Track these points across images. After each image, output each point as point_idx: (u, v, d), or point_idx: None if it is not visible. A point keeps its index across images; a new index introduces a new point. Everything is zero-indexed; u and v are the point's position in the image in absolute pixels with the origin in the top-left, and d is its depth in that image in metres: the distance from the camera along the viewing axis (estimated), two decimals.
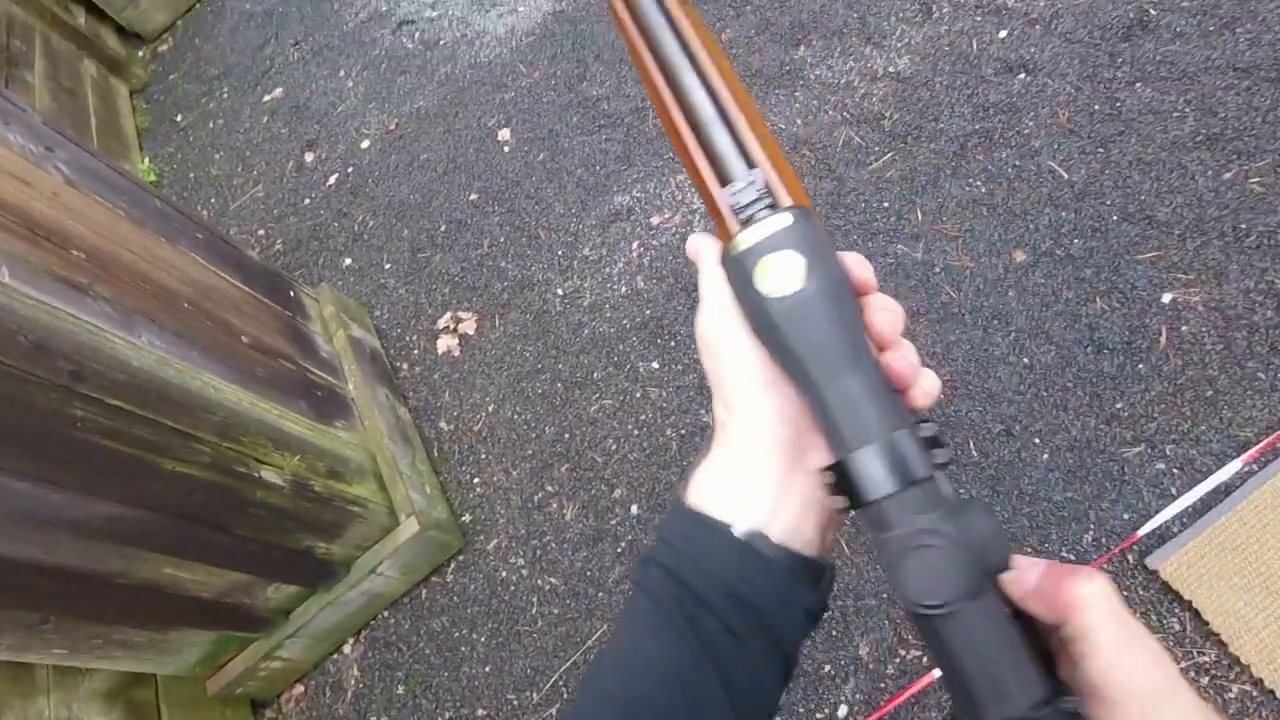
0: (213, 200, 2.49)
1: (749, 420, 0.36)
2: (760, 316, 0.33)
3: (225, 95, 2.76)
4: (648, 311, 1.73)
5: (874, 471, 0.30)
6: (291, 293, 1.66)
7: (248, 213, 2.38)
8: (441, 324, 1.91)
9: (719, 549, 0.35)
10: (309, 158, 2.41)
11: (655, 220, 1.83)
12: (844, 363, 0.31)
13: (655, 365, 1.66)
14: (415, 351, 1.91)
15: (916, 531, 0.29)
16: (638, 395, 1.64)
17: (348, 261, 2.12)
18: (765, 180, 0.35)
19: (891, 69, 1.78)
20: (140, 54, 3.12)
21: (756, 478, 0.36)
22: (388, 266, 2.07)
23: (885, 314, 0.33)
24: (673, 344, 1.67)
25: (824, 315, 0.32)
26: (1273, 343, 1.25)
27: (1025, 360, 1.38)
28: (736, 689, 0.34)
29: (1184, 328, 1.31)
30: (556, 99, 2.14)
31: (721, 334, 0.36)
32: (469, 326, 1.88)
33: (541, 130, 2.10)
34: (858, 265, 0.33)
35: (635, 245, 1.82)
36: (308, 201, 2.30)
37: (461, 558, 1.61)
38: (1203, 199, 1.39)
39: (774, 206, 0.34)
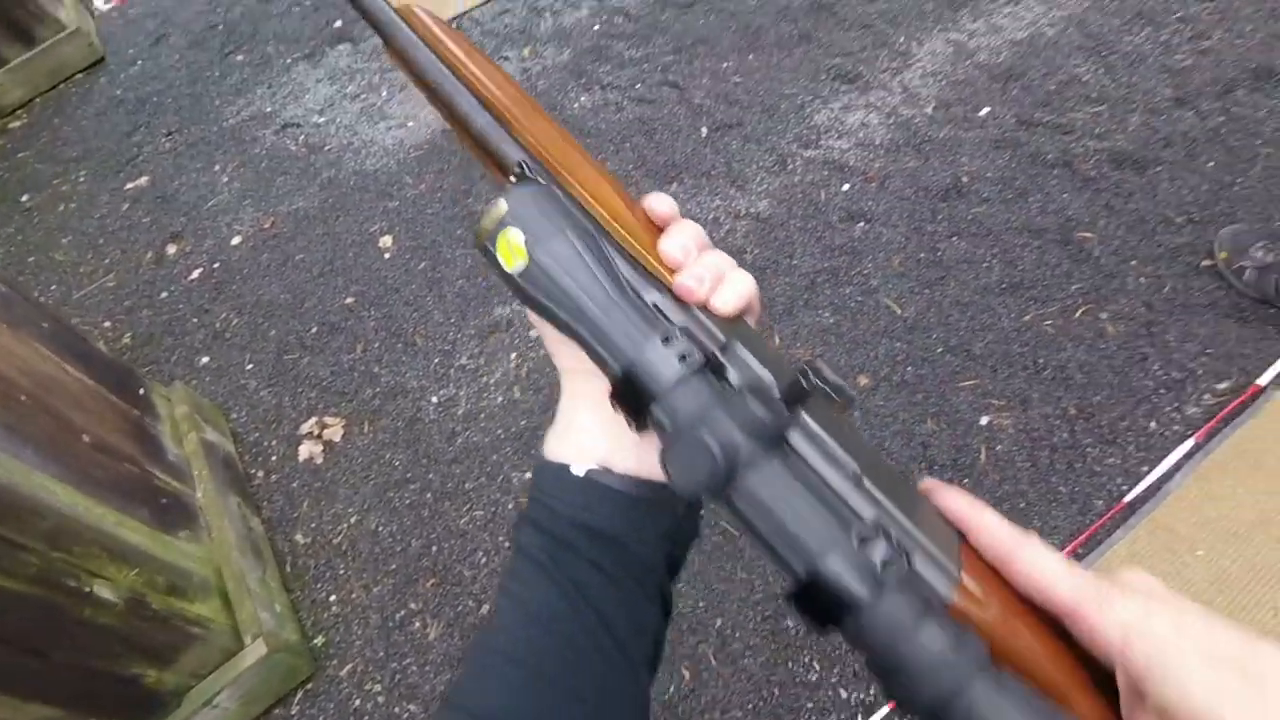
0: (54, 287, 2.32)
1: (576, 367, 0.38)
2: (515, 292, 0.35)
3: (82, 178, 2.63)
4: (523, 422, 1.76)
5: (637, 386, 0.31)
6: (142, 390, 1.56)
7: (93, 303, 2.23)
8: (305, 429, 1.84)
9: (567, 490, 0.37)
10: (171, 250, 2.31)
11: (534, 333, 1.89)
12: (594, 305, 0.33)
13: (529, 476, 1.68)
14: (274, 458, 1.82)
15: (684, 420, 0.30)
16: (510, 506, 1.64)
17: (205, 360, 2.03)
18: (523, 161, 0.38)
19: (753, 210, 1.98)
20: None
21: (590, 418, 0.38)
22: (250, 367, 1.99)
23: (671, 239, 0.35)
24: None
25: (558, 275, 0.34)
26: (1069, 461, 1.45)
27: None
28: (615, 623, 0.35)
29: (999, 447, 1.49)
30: (441, 211, 2.20)
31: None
32: (335, 433, 1.83)
33: (424, 240, 2.14)
34: (657, 202, 0.36)
35: (514, 356, 1.87)
36: (165, 295, 2.19)
37: (310, 685, 1.50)
38: (1008, 337, 1.62)
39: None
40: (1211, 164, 1.76)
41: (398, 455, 1.76)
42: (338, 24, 2.92)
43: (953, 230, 1.81)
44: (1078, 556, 1.35)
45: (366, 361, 1.93)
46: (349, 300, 2.07)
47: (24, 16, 2.87)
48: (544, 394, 1.78)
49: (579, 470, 0.37)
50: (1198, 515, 1.35)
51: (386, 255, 2.14)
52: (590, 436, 0.38)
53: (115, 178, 2.59)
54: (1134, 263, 1.67)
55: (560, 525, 0.36)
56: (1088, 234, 1.73)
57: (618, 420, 0.36)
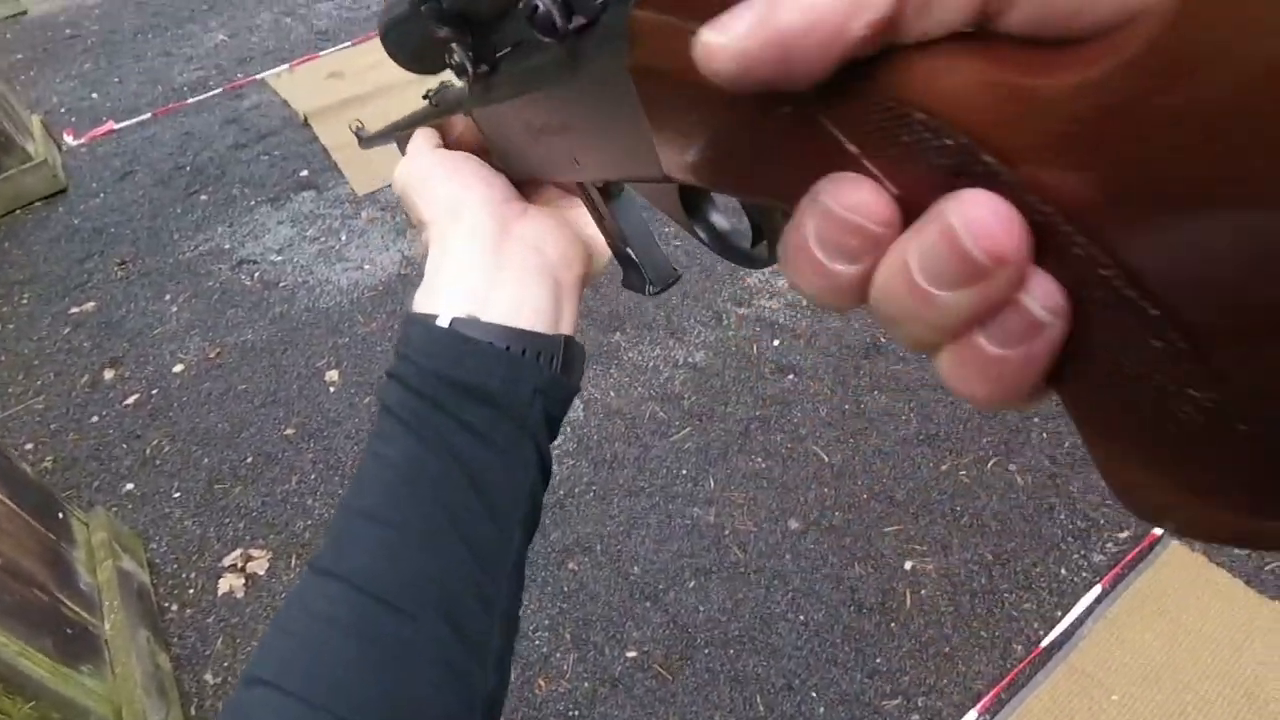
0: None
1: (450, 214, 0.38)
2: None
3: (25, 300, 2.61)
4: None
5: None
6: (60, 515, 1.51)
7: (17, 424, 2.16)
8: (228, 561, 1.78)
9: (433, 344, 0.35)
10: (109, 375, 2.29)
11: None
12: None
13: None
14: (191, 591, 1.74)
15: None
16: None
17: (129, 487, 1.96)
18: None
19: (690, 360, 2.11)
20: None
21: (459, 263, 0.37)
22: (176, 495, 1.93)
23: None
24: None
25: None
26: (989, 606, 1.51)
27: (801, 618, 1.54)
28: (486, 483, 0.34)
29: (923, 591, 1.55)
30: (390, 350, 2.26)
31: (432, 164, 0.41)
32: (260, 566, 1.77)
33: (371, 376, 2.18)
34: None
35: None
36: (95, 419, 2.15)
37: None
38: (928, 485, 1.72)
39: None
40: None
41: None
42: (304, 173, 3.08)
43: (874, 385, 1.96)
44: (999, 702, 1.38)
45: (301, 494, 1.91)
46: (289, 432, 2.06)
47: None
48: None
49: (444, 320, 0.35)
50: (1111, 660, 1.41)
51: (332, 389, 2.17)
52: (458, 286, 0.37)
53: (60, 302, 2.59)
54: (1036, 419, 1.82)
55: (427, 382, 0.34)
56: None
57: (490, 266, 0.36)
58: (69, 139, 3.42)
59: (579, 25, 0.25)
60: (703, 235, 0.31)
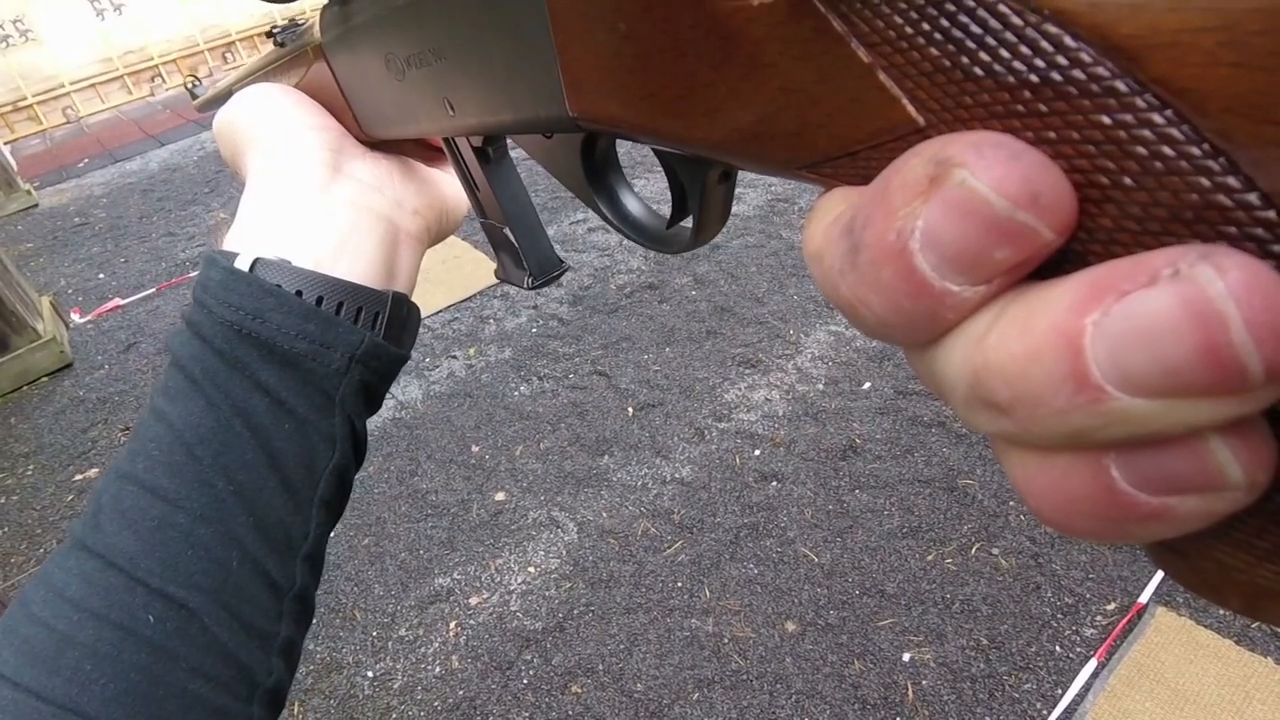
0: None
1: (272, 145, 0.33)
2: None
3: (29, 472, 2.68)
4: (460, 692, 1.74)
5: None
6: None
7: (20, 592, 2.17)
8: None
9: (232, 290, 0.29)
10: None
11: (474, 600, 1.94)
12: None
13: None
14: None
15: None
16: None
17: None
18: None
19: (677, 475, 2.19)
20: None
21: (275, 198, 0.32)
22: None
23: None
24: None
25: None
26: (990, 690, 1.52)
27: None
28: (283, 458, 0.30)
29: (924, 682, 1.56)
30: (387, 490, 2.33)
31: (257, 94, 0.35)
32: None
33: (369, 517, 2.24)
34: None
35: (453, 625, 1.89)
36: None
37: None
38: (916, 576, 1.77)
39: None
40: None
41: None
42: None
43: (854, 484, 2.04)
44: None
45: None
46: None
47: (2, 327, 3.12)
48: (482, 661, 1.79)
49: (245, 261, 0.30)
50: None
51: (331, 534, 2.21)
52: (269, 223, 0.31)
53: (64, 470, 2.66)
54: (1012, 503, 1.89)
55: (220, 334, 0.29)
56: (969, 480, 1.98)
57: (314, 204, 0.32)
58: (76, 317, 3.61)
59: None
60: (607, 212, 0.26)
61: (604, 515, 2.11)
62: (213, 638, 0.28)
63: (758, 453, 2.20)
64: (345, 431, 0.32)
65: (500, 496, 2.23)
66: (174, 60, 8.39)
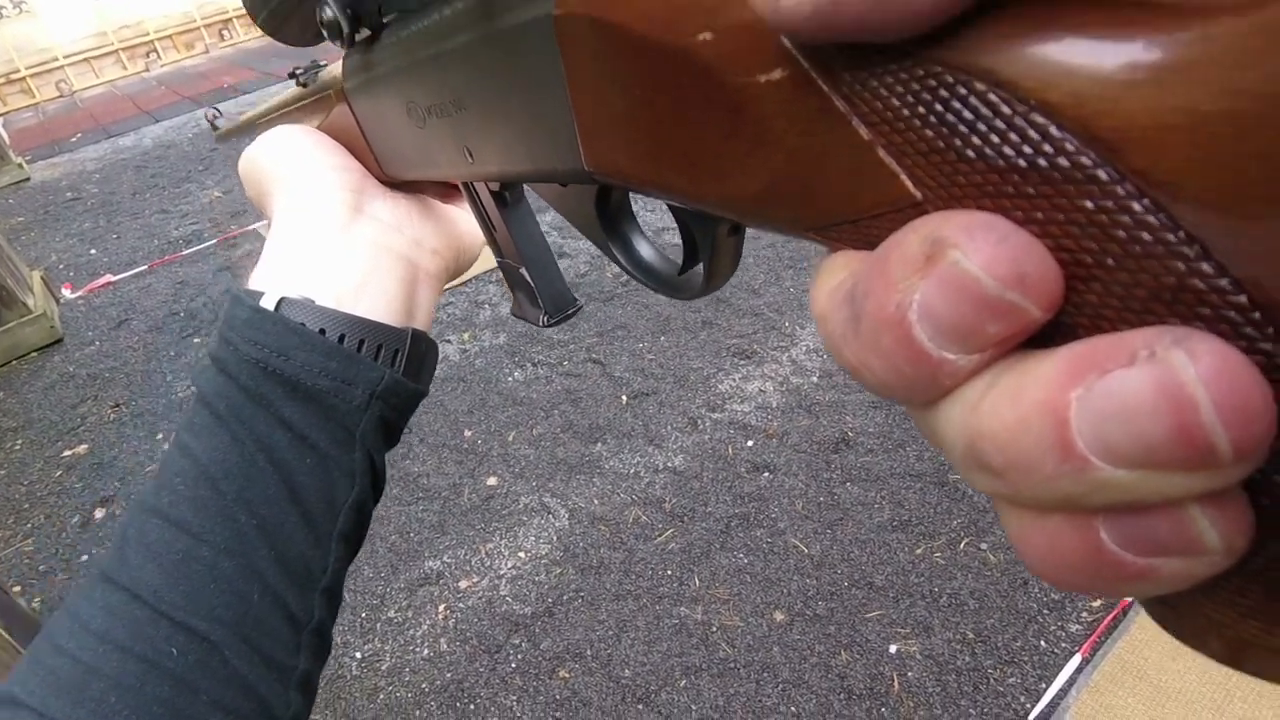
0: None
1: (296, 187, 0.34)
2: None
3: (18, 447, 2.66)
4: (449, 674, 1.74)
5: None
6: None
7: (5, 567, 2.16)
8: None
9: (257, 328, 0.30)
10: (100, 514, 2.32)
11: (463, 584, 1.94)
12: None
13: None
14: None
15: None
16: None
17: None
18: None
19: (669, 464, 2.19)
20: None
21: (299, 239, 0.32)
22: None
23: None
24: (472, 707, 1.67)
25: None
26: (975, 683, 1.53)
27: (793, 709, 1.55)
28: (304, 492, 0.30)
29: (910, 674, 1.57)
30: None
31: (283, 136, 0.36)
32: None
33: None
34: None
35: (442, 608, 1.89)
36: (85, 559, 2.16)
37: None
38: (905, 569, 1.78)
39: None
40: None
41: (314, 716, 1.69)
42: None
43: (846, 477, 2.05)
44: None
45: None
46: None
47: None
48: (470, 644, 1.79)
49: (270, 300, 0.31)
50: None
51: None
52: (293, 264, 0.32)
53: (53, 446, 2.64)
54: None
55: (246, 370, 0.30)
56: (959, 476, 1.98)
57: (336, 244, 0.32)
58: (67, 292, 3.58)
59: None
60: (620, 258, 0.27)
61: (595, 502, 2.11)
62: (233, 671, 0.29)
63: (751, 443, 2.21)
64: (365, 466, 0.32)
65: (492, 481, 2.23)
66: (170, 36, 8.30)
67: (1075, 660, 1.54)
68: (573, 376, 2.60)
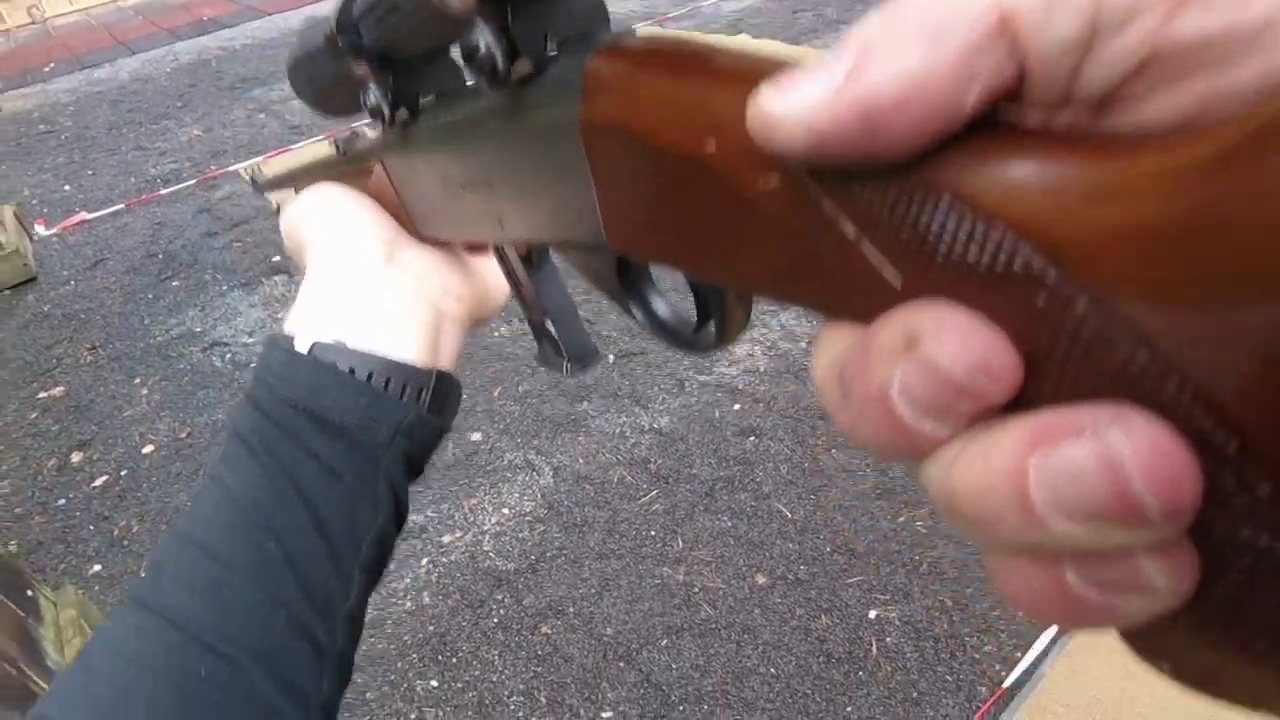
0: None
1: (332, 240, 0.36)
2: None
3: None
4: (430, 628, 1.75)
5: None
6: (29, 592, 1.50)
7: None
8: None
9: (292, 369, 0.33)
10: (76, 458, 2.28)
11: (446, 539, 1.94)
12: None
13: (434, 683, 1.64)
14: None
15: None
16: (413, 717, 1.58)
17: (97, 568, 1.94)
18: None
19: (655, 425, 2.18)
20: None
21: (333, 287, 0.35)
22: (144, 575, 1.91)
23: None
24: (454, 660, 1.68)
25: None
26: (952, 650, 1.56)
27: (773, 670, 1.57)
28: (330, 521, 0.32)
29: (888, 639, 1.60)
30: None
31: (323, 194, 0.39)
32: None
33: None
34: None
35: (425, 562, 1.89)
36: (62, 502, 2.13)
37: None
38: (887, 536, 1.79)
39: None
40: None
41: None
42: (276, 258, 3.17)
43: (831, 443, 2.05)
44: None
45: None
46: None
47: None
48: (453, 599, 1.79)
49: (304, 344, 0.33)
50: (1069, 696, 1.47)
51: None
52: (326, 310, 0.34)
53: (28, 387, 2.59)
54: None
55: (279, 408, 0.32)
56: None
57: (367, 291, 0.34)
58: (41, 229, 3.48)
59: (524, 74, 0.22)
60: (638, 315, 0.28)
61: (580, 461, 2.10)
62: (258, 693, 0.30)
63: (737, 407, 2.20)
64: (388, 498, 0.34)
65: (476, 437, 2.22)
66: None
67: (1051, 631, 1.56)
68: None
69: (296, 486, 0.31)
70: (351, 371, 0.33)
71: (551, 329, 0.36)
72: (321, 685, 0.32)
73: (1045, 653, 1.54)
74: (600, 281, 0.28)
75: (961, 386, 0.12)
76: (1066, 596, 0.12)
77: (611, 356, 2.44)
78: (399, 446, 0.33)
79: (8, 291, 3.11)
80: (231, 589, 0.30)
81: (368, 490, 0.33)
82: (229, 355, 2.66)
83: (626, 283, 0.27)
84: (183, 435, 2.33)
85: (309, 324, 0.34)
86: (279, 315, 2.83)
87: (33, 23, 7.48)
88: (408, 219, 0.37)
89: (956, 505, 0.13)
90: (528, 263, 0.35)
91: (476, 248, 0.41)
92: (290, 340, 0.33)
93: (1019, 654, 1.54)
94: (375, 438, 0.33)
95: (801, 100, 0.13)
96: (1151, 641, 0.13)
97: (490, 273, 0.40)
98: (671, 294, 0.29)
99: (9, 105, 5.27)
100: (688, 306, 0.28)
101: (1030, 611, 0.13)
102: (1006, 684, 1.49)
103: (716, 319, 0.26)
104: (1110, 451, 0.10)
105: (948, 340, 0.12)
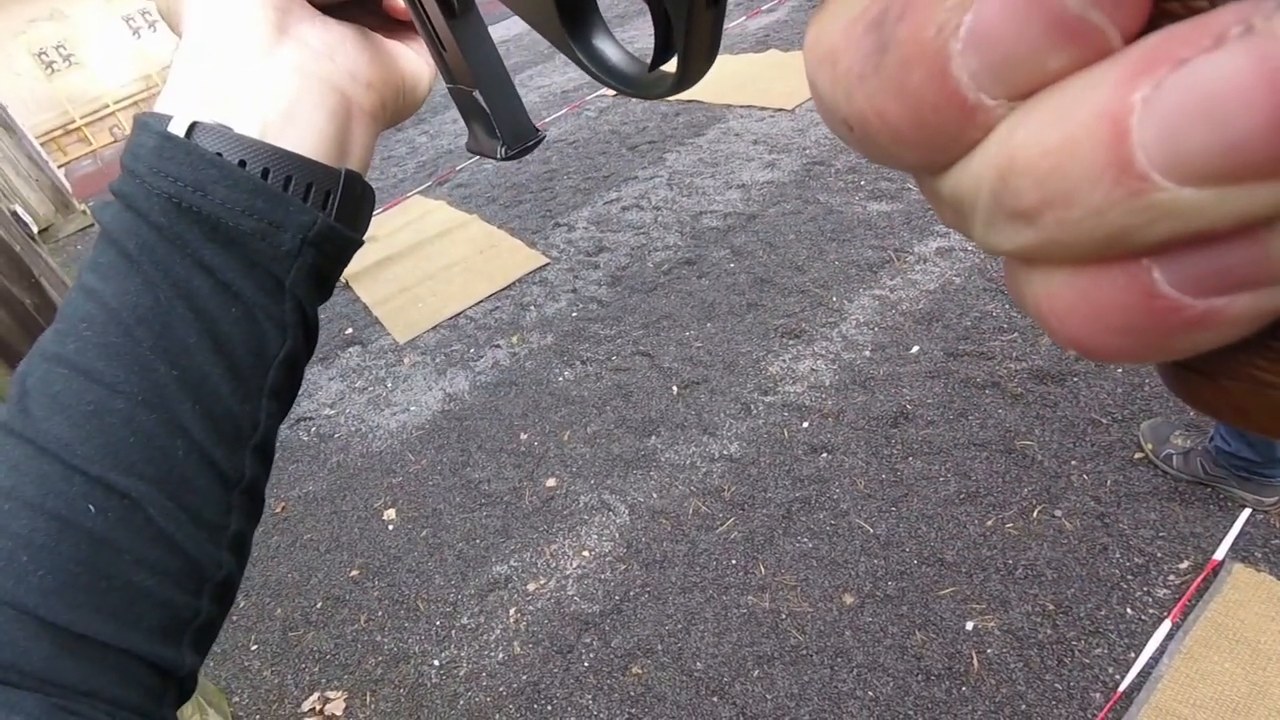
0: None
1: (218, 2, 0.29)
2: None
3: None
4: (524, 677, 1.77)
5: None
6: None
7: None
8: (307, 706, 1.83)
9: (170, 158, 0.27)
10: None
11: (531, 587, 1.97)
12: None
13: None
14: None
15: None
16: None
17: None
18: None
19: (725, 452, 2.17)
20: None
21: (214, 57, 0.28)
22: (254, 648, 2.01)
23: None
24: (549, 708, 1.69)
25: None
26: (1059, 656, 1.48)
27: (870, 693, 1.53)
28: (229, 342, 0.28)
29: (989, 650, 1.53)
30: (441, 482, 2.37)
31: None
32: (337, 706, 1.82)
33: (426, 509, 2.29)
34: None
35: (512, 611, 1.92)
36: None
37: None
38: (976, 542, 1.73)
39: None
40: (1121, 370, 2.01)
41: None
42: (349, 330, 3.32)
43: (907, 451, 2.00)
44: None
45: (370, 631, 1.97)
46: (354, 573, 2.15)
47: None
48: (543, 646, 1.82)
49: (180, 125, 0.27)
50: (1194, 695, 1.37)
51: (390, 527, 2.27)
52: (207, 84, 0.28)
53: None
54: (1074, 462, 1.83)
55: (157, 207, 0.27)
56: (1028, 441, 1.92)
57: (256, 67, 0.28)
58: None
59: None
60: (583, 58, 0.25)
61: (654, 496, 2.11)
62: (158, 529, 0.27)
63: (806, 425, 2.17)
64: (296, 319, 0.30)
65: (551, 482, 2.25)
66: None
67: (1165, 626, 1.47)
68: (622, 371, 2.60)
69: (187, 301, 0.27)
70: (242, 165, 0.27)
71: (481, 102, 0.31)
72: (229, 520, 0.29)
73: (1162, 650, 1.45)
74: (537, 18, 0.24)
75: (1070, 25, 0.08)
76: (1150, 308, 0.09)
77: (675, 388, 2.45)
78: (306, 259, 0.29)
79: None
80: (117, 415, 0.26)
81: (272, 308, 0.28)
82: (314, 428, 2.79)
83: (567, 15, 0.23)
84: (278, 509, 2.45)
85: (185, 102, 0.28)
86: (356, 385, 2.96)
87: (115, 140, 8.14)
88: None
89: (1013, 187, 0.09)
90: (448, 11, 0.29)
91: (391, 27, 0.35)
92: (164, 120, 0.27)
93: (1132, 654, 1.45)
94: (277, 248, 0.28)
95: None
96: (1229, 377, 0.10)
97: (406, 58, 0.35)
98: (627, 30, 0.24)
99: None
100: (642, 48, 0.24)
101: (1089, 342, 0.09)
102: (1123, 687, 1.41)
103: (680, 36, 0.21)
104: (1277, 52, 0.07)
105: None
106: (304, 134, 0.29)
